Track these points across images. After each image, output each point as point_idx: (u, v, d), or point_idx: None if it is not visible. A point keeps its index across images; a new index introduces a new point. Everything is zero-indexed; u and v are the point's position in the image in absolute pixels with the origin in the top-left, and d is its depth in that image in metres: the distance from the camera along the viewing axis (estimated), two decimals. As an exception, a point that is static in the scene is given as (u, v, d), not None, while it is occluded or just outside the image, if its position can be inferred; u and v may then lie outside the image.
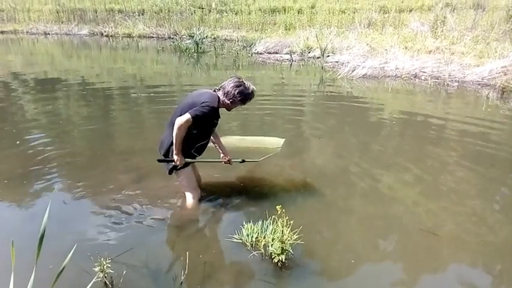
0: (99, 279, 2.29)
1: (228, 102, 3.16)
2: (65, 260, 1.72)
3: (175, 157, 3.11)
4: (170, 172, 3.26)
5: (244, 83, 3.15)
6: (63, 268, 1.69)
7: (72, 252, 1.77)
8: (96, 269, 2.30)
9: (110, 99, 7.74)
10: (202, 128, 3.14)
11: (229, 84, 3.13)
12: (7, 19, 22.73)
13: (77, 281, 2.23)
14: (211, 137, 3.44)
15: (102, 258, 2.32)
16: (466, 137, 5.38)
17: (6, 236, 2.82)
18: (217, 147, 3.58)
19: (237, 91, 3.11)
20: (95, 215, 3.28)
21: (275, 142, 4.86)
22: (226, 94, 3.13)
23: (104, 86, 8.92)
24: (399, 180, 4.07)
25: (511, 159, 4.67)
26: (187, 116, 2.91)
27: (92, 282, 1.98)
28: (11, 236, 1.82)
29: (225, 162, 3.55)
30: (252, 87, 3.19)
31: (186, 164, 3.25)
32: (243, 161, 3.63)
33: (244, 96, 3.15)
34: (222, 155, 3.56)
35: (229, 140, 4.69)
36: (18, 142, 4.92)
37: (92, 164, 4.34)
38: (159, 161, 3.27)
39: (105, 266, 2.32)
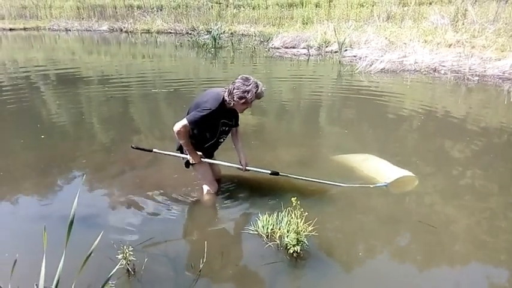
0: (122, 266, 2.40)
1: (229, 101, 2.97)
2: (92, 246, 1.83)
3: (189, 157, 3.18)
4: (187, 165, 3.35)
5: (246, 82, 2.91)
6: (90, 253, 1.80)
7: (99, 238, 1.88)
8: (119, 256, 2.41)
9: (129, 94, 7.89)
10: (206, 129, 3.14)
11: (233, 84, 2.95)
12: (30, 16, 23.38)
13: (102, 267, 2.33)
14: (233, 141, 3.44)
15: (125, 247, 2.43)
16: (487, 133, 5.31)
17: (39, 222, 2.99)
18: (236, 151, 3.43)
19: (235, 90, 2.91)
20: (118, 206, 3.42)
21: (387, 176, 3.75)
22: (229, 94, 2.96)
23: (123, 82, 9.12)
24: (417, 174, 4.06)
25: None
26: (183, 122, 2.95)
27: (115, 268, 2.09)
28: (43, 222, 1.96)
29: (240, 169, 3.40)
30: (254, 87, 2.91)
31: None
32: (276, 173, 3.43)
33: (243, 95, 2.90)
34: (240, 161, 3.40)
35: (348, 158, 4.28)
36: (43, 136, 5.11)
37: (115, 157, 4.49)
38: (134, 148, 3.36)
39: (127, 254, 2.42)
